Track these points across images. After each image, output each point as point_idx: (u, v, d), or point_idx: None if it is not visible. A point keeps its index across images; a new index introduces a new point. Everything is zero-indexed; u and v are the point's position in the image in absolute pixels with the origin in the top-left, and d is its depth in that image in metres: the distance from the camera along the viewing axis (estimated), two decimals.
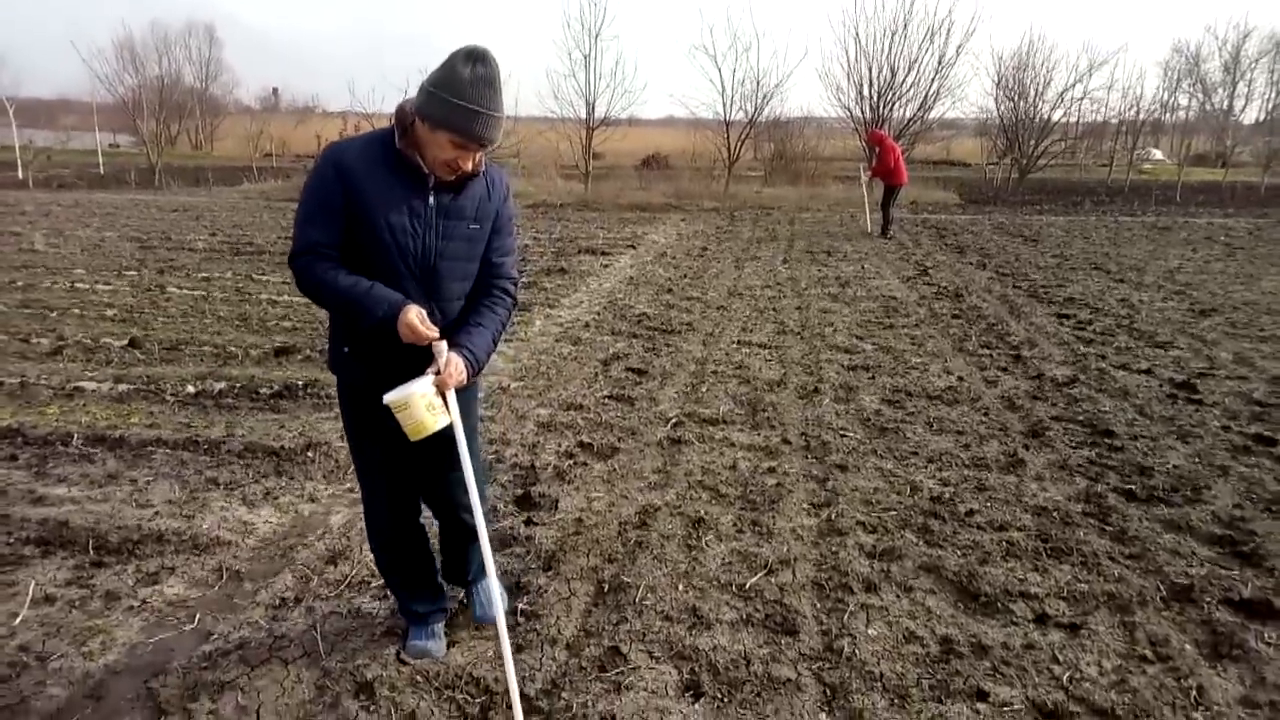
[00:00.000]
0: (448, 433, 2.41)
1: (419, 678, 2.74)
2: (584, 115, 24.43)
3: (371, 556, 3.12)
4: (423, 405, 2.33)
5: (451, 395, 2.41)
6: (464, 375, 2.42)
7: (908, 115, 26.92)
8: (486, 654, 2.91)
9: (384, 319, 2.32)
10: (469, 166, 2.38)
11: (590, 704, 2.64)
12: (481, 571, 2.92)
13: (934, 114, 27.49)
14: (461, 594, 3.20)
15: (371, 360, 2.50)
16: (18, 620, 3.03)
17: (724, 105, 25.89)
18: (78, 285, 9.14)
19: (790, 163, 27.43)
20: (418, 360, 2.40)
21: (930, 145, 33.79)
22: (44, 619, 3.06)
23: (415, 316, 2.31)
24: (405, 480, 2.76)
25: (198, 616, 3.11)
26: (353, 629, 3.03)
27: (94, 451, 4.52)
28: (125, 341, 6.72)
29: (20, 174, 23.80)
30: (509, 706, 2.55)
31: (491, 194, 2.54)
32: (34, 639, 2.92)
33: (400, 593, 2.92)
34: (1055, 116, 28.66)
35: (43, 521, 3.71)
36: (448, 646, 2.92)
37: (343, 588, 3.31)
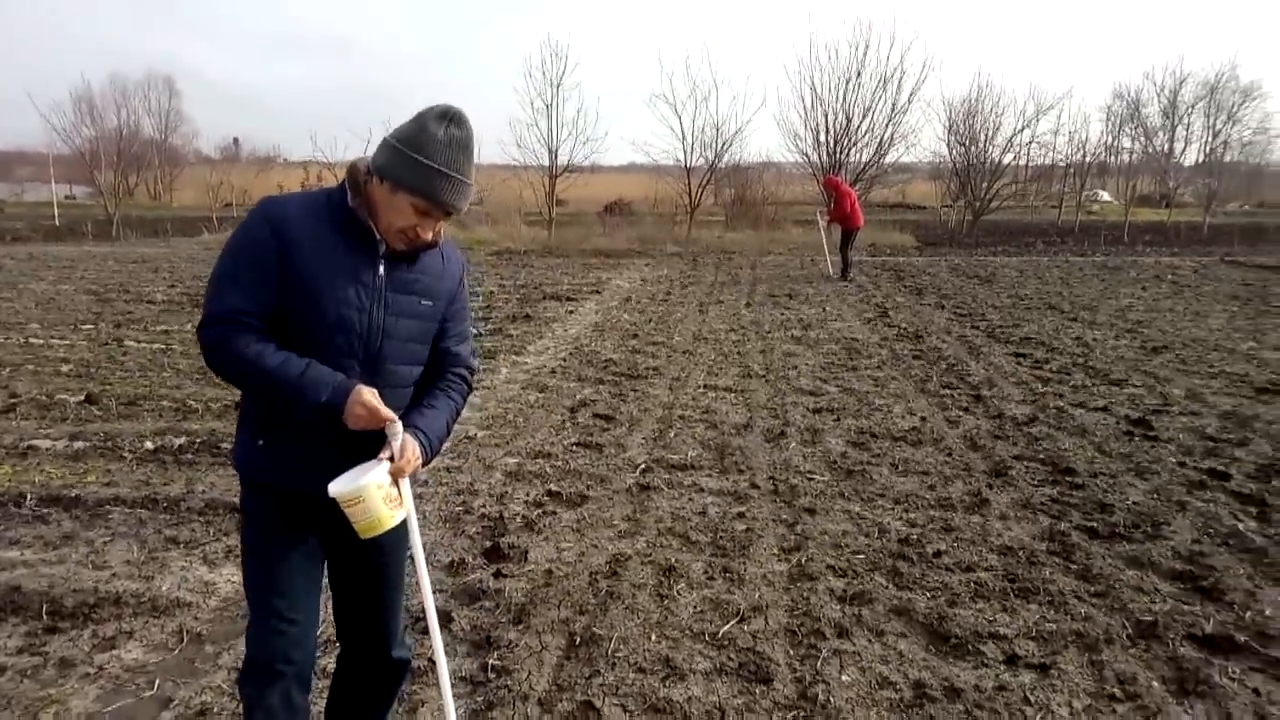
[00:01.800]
0: (385, 540, 2.06)
1: None
2: (546, 163, 24.66)
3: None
4: (379, 497, 1.96)
5: (405, 484, 2.07)
6: (419, 461, 2.08)
7: (864, 160, 27.58)
8: (458, 711, 2.85)
9: (327, 404, 1.95)
10: (428, 236, 2.06)
11: None
12: None
13: (889, 159, 28.20)
14: None
15: (294, 456, 2.07)
16: None
17: (684, 152, 26.32)
18: (32, 340, 8.96)
19: (750, 207, 27.93)
20: (351, 453, 2.04)
21: (886, 189, 34.60)
22: None
23: (370, 395, 1.96)
24: (312, 618, 2.19)
25: (157, 682, 3.02)
26: (321, 691, 2.96)
27: (48, 512, 4.40)
28: (82, 397, 6.58)
29: None
30: None
31: (445, 271, 2.22)
32: None
33: None
34: (1006, 160, 29.54)
35: None
36: None
37: None
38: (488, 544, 4.13)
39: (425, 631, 3.33)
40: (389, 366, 2.12)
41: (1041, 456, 5.44)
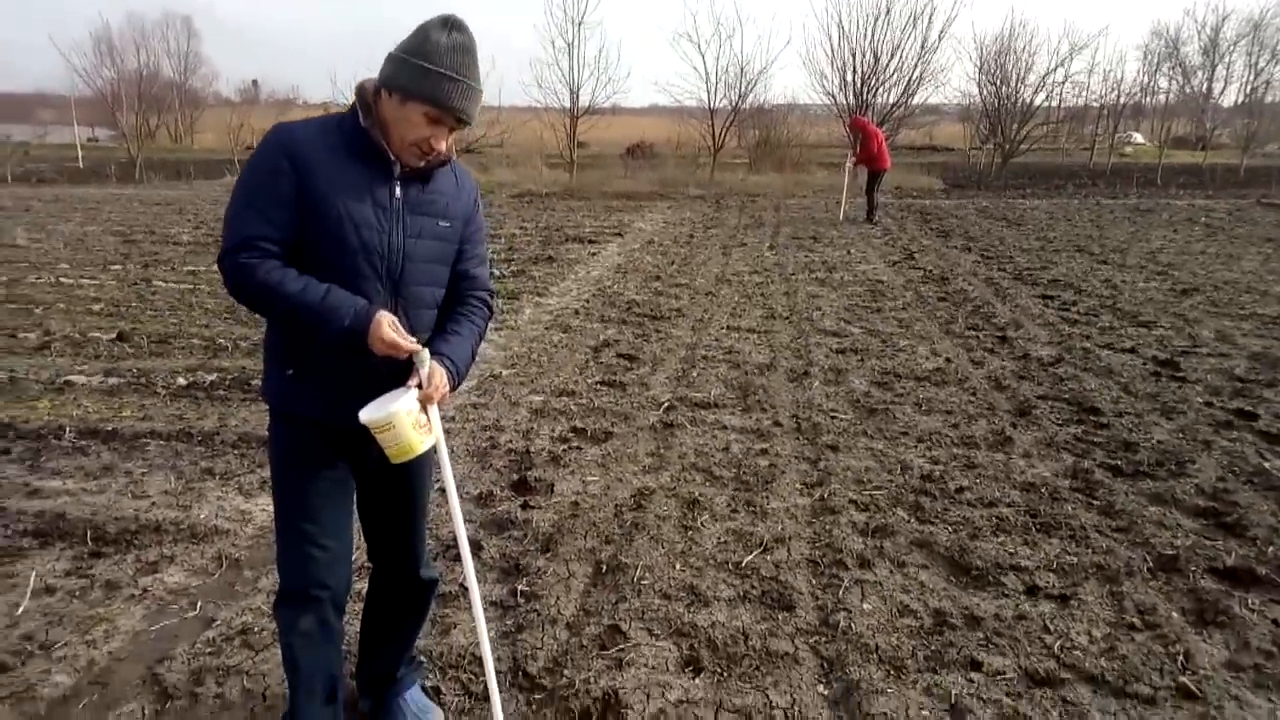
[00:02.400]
0: (422, 459, 2.11)
1: (422, 657, 2.77)
2: (568, 104, 24.34)
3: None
4: (409, 423, 1.98)
5: (434, 411, 2.09)
6: (447, 388, 2.10)
7: (891, 101, 27.03)
8: (488, 634, 2.94)
9: (350, 330, 1.94)
10: (441, 147, 2.05)
11: (593, 680, 2.68)
12: (413, 672, 2.59)
13: (917, 100, 27.63)
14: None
15: (324, 385, 2.08)
16: (19, 610, 3.04)
17: (708, 93, 25.90)
18: (63, 280, 9.08)
19: (775, 149, 27.48)
20: (379, 381, 2.06)
21: (914, 131, 33.90)
22: (45, 609, 3.07)
23: (390, 326, 1.96)
24: (346, 544, 2.24)
25: (199, 604, 3.13)
26: (356, 612, 3.06)
27: (87, 444, 4.52)
28: (114, 335, 6.69)
29: None
30: None
31: (461, 190, 2.22)
32: (37, 628, 2.94)
33: (299, 697, 2.22)
34: (1037, 101, 28.79)
35: (39, 514, 3.72)
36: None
37: None
38: (515, 477, 4.20)
39: (458, 558, 3.43)
40: (412, 288, 2.12)
41: (1066, 396, 5.42)
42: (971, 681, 2.71)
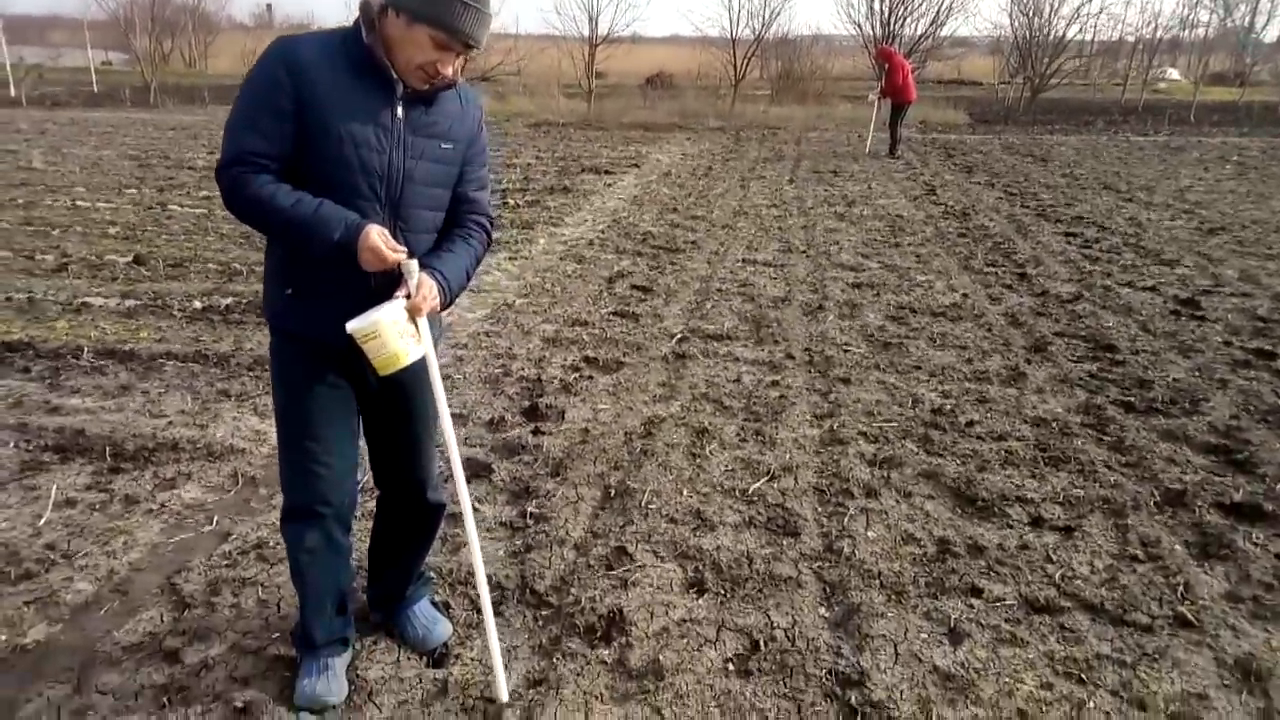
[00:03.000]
0: (418, 366, 2.07)
1: (431, 574, 2.83)
2: (586, 32, 23.83)
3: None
4: (394, 332, 1.96)
5: (424, 323, 2.06)
6: (438, 300, 2.06)
7: (919, 32, 26.27)
8: (497, 553, 3.00)
9: (340, 243, 1.92)
10: (448, 73, 1.98)
11: (598, 598, 2.74)
12: (422, 587, 2.62)
13: (946, 31, 26.83)
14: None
15: (323, 303, 2.05)
16: (42, 521, 3.13)
17: (730, 22, 25.27)
18: (79, 203, 9.09)
19: (798, 82, 26.87)
20: (382, 296, 2.03)
21: (942, 64, 33.00)
22: (67, 520, 3.15)
23: (379, 236, 1.93)
24: (349, 462, 2.27)
25: (216, 519, 3.20)
26: (366, 530, 3.12)
27: (105, 364, 4.58)
28: (130, 258, 6.72)
29: (13, 91, 23.39)
30: None
31: (465, 112, 2.16)
32: (59, 539, 3.02)
33: (307, 607, 2.33)
34: (1070, 33, 27.87)
35: (59, 430, 3.79)
36: (350, 689, 2.35)
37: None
38: (526, 404, 4.23)
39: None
40: (411, 210, 2.09)
41: (1083, 333, 5.38)
42: (971, 607, 2.75)
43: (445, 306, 2.15)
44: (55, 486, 3.35)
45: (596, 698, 2.34)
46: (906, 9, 25.71)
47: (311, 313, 2.09)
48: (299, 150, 1.96)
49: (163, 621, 2.60)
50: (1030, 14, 27.80)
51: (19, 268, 6.47)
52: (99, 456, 3.60)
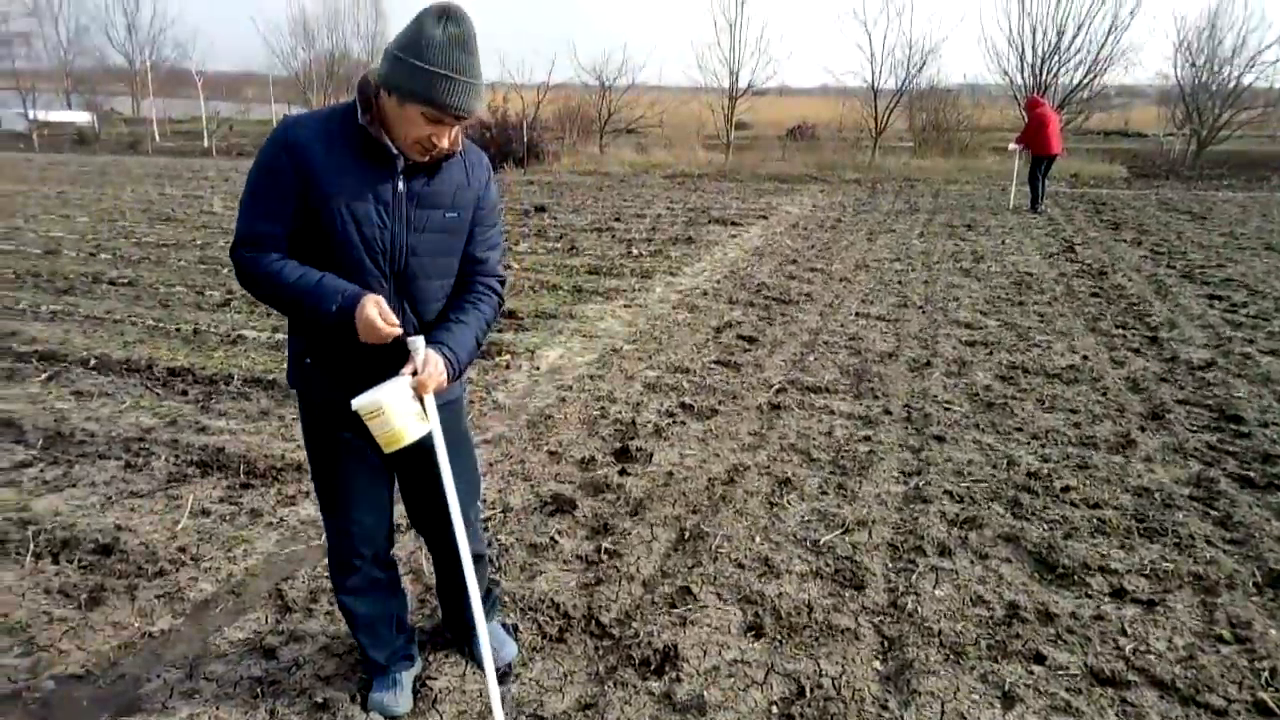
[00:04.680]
0: (427, 442, 2.11)
1: (506, 599, 3.05)
2: (726, 84, 24.35)
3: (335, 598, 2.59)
4: (398, 411, 1.99)
5: (430, 400, 2.09)
6: (444, 377, 2.09)
7: (1075, 81, 25.30)
8: (569, 584, 3.19)
9: (338, 315, 1.98)
10: (445, 144, 2.03)
11: (656, 634, 2.87)
12: (492, 609, 2.67)
13: (1105, 80, 25.70)
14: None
15: (340, 372, 2.14)
16: (179, 527, 3.57)
17: (873, 73, 25.19)
18: None
19: (943, 133, 26.37)
20: (389, 368, 2.08)
21: (1106, 114, 31.53)
22: (200, 528, 3.58)
23: (374, 309, 1.97)
24: (380, 514, 2.42)
25: (324, 535, 3.54)
26: None
27: (250, 391, 5.13)
28: None
29: (206, 143, 26.13)
30: None
31: (471, 178, 2.19)
32: (190, 543, 3.44)
33: (361, 637, 2.53)
34: (1246, 81, 26.06)
35: (204, 448, 4.29)
36: (416, 698, 2.55)
37: None
38: (618, 445, 4.43)
39: (554, 512, 3.71)
40: (417, 282, 2.14)
41: (1209, 402, 5.09)
42: (1031, 673, 2.70)
43: (453, 379, 2.17)
44: (193, 497, 3.80)
45: None
46: (1059, 58, 24.85)
47: (328, 379, 2.19)
48: (305, 228, 2.05)
49: (266, 622, 2.93)
50: (1198, 62, 26.30)
51: (189, 301, 7.31)
52: (234, 473, 4.06)
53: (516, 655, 2.77)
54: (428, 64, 1.87)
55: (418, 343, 2.05)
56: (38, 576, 3.17)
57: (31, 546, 3.33)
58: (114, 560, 3.28)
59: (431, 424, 2.10)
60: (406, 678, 2.57)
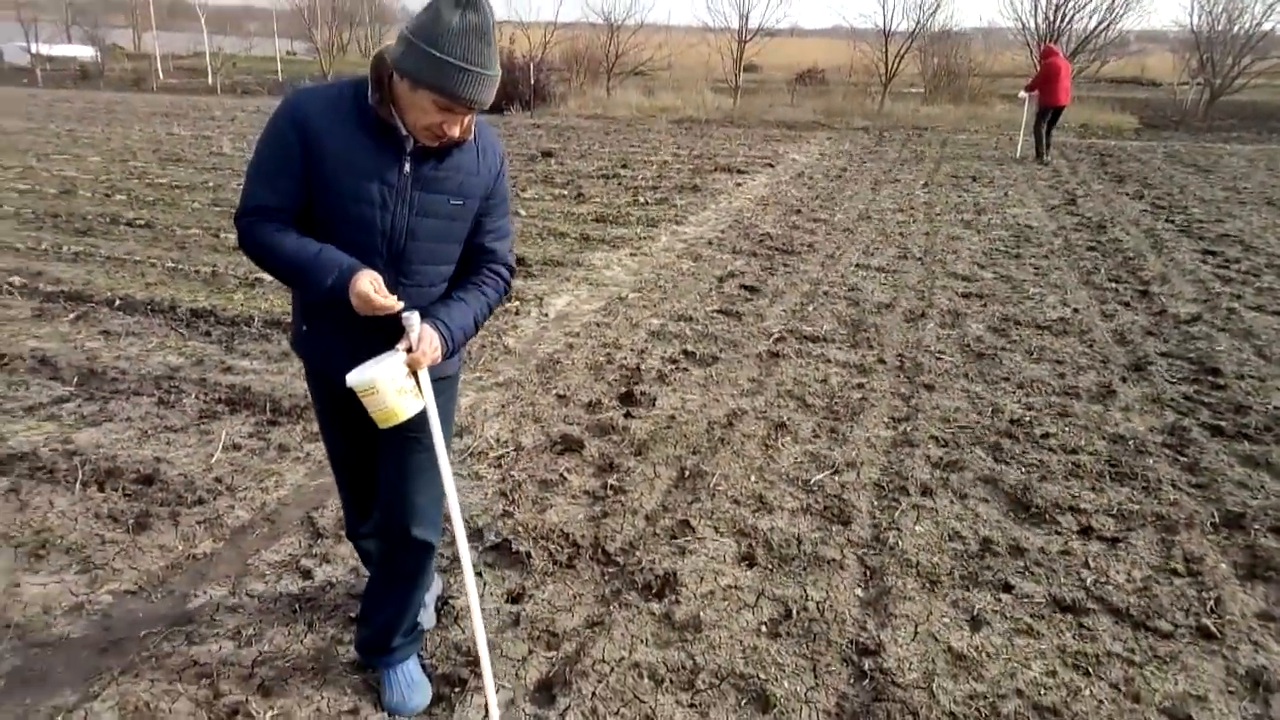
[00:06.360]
0: (420, 420, 2.08)
1: (520, 529, 3.31)
2: (735, 25, 24.08)
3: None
4: (391, 388, 1.98)
5: (425, 376, 2.07)
6: (439, 353, 2.07)
7: (1089, 27, 24.97)
8: (578, 516, 3.45)
9: (333, 288, 1.96)
10: (456, 132, 1.97)
11: (657, 562, 3.14)
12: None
13: (1121, 26, 25.34)
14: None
15: (332, 342, 2.15)
16: (213, 460, 3.82)
17: (884, 15, 24.83)
18: None
19: (954, 79, 26.11)
20: (388, 340, 2.05)
21: (1122, 60, 31.07)
22: (233, 461, 3.83)
23: (368, 284, 1.94)
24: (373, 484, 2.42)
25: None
26: (471, 488, 3.64)
27: (271, 333, 5.36)
28: None
29: (210, 80, 25.98)
30: None
31: (480, 165, 2.14)
32: (225, 475, 3.70)
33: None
34: (1265, 27, 25.61)
35: (231, 386, 4.53)
36: (432, 685, 2.49)
37: (465, 455, 3.92)
38: (623, 390, 4.67)
39: (562, 451, 3.96)
40: (415, 266, 2.12)
41: (1191, 355, 5.30)
42: (999, 601, 2.97)
43: (449, 357, 2.15)
44: (225, 432, 4.06)
45: (641, 641, 2.74)
46: (1074, 3, 24.48)
47: (323, 350, 2.22)
48: (309, 202, 2.05)
49: (300, 546, 3.20)
50: (1213, 8, 25.85)
51: (206, 244, 7.50)
52: (261, 411, 4.30)
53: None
54: (442, 53, 1.82)
55: (413, 318, 2.02)
56: (87, 502, 3.44)
57: (80, 475, 3.59)
58: (155, 489, 3.54)
59: (426, 400, 2.09)
60: (414, 666, 2.50)
